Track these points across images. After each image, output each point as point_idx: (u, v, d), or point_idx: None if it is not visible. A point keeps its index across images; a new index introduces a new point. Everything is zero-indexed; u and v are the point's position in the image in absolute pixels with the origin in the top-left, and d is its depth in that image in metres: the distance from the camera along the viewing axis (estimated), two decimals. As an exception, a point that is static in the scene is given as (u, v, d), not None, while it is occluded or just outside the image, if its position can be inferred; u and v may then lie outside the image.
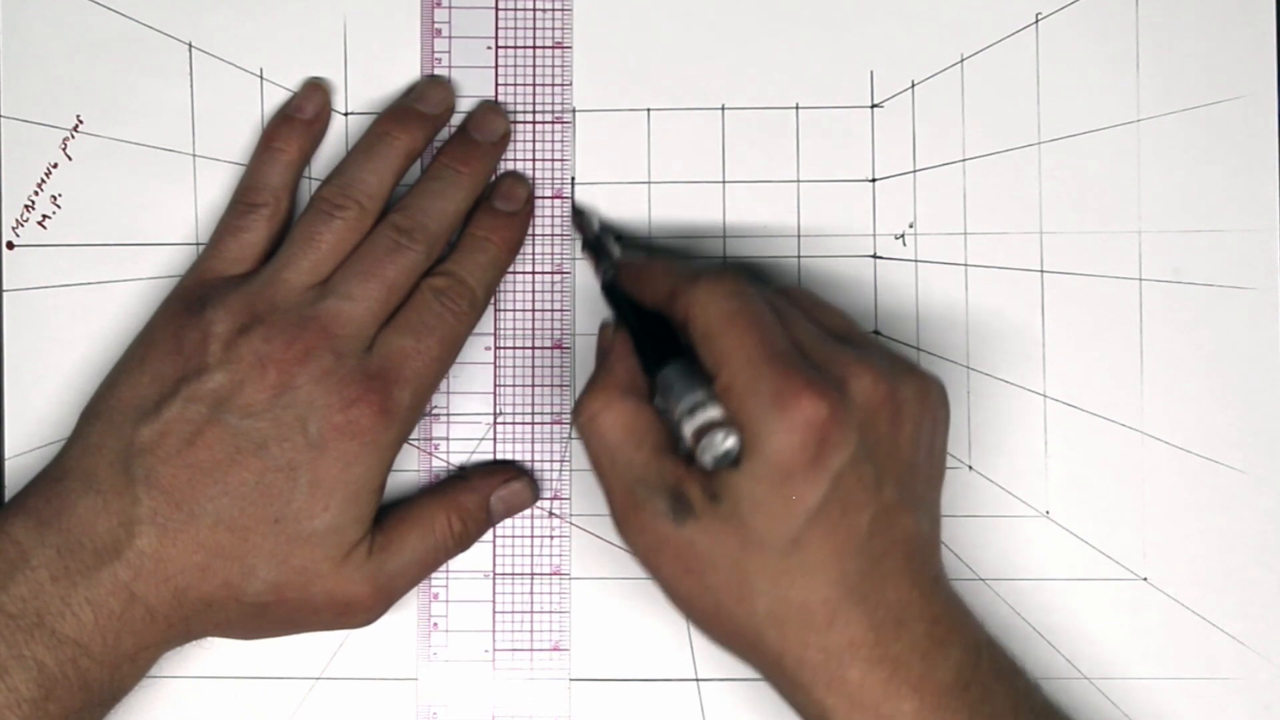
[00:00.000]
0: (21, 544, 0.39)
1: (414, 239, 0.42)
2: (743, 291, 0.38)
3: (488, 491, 0.44)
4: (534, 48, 0.46)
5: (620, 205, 0.46)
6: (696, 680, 0.45)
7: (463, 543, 0.43)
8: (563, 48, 0.46)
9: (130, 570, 0.39)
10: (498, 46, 0.46)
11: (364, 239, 0.42)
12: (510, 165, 0.45)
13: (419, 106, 0.44)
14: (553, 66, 0.46)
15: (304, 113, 0.45)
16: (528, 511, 0.45)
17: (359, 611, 0.42)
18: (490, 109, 0.45)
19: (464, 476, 0.44)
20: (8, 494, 0.45)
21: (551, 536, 0.45)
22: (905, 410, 0.38)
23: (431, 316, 0.42)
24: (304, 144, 0.45)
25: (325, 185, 0.42)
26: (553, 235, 0.45)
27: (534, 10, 0.46)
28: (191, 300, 0.42)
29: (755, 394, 0.37)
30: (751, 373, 0.37)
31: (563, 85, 0.46)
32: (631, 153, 0.46)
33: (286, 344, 0.40)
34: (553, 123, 0.46)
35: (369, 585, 0.41)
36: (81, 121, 0.45)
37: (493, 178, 0.45)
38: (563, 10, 0.46)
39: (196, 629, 0.41)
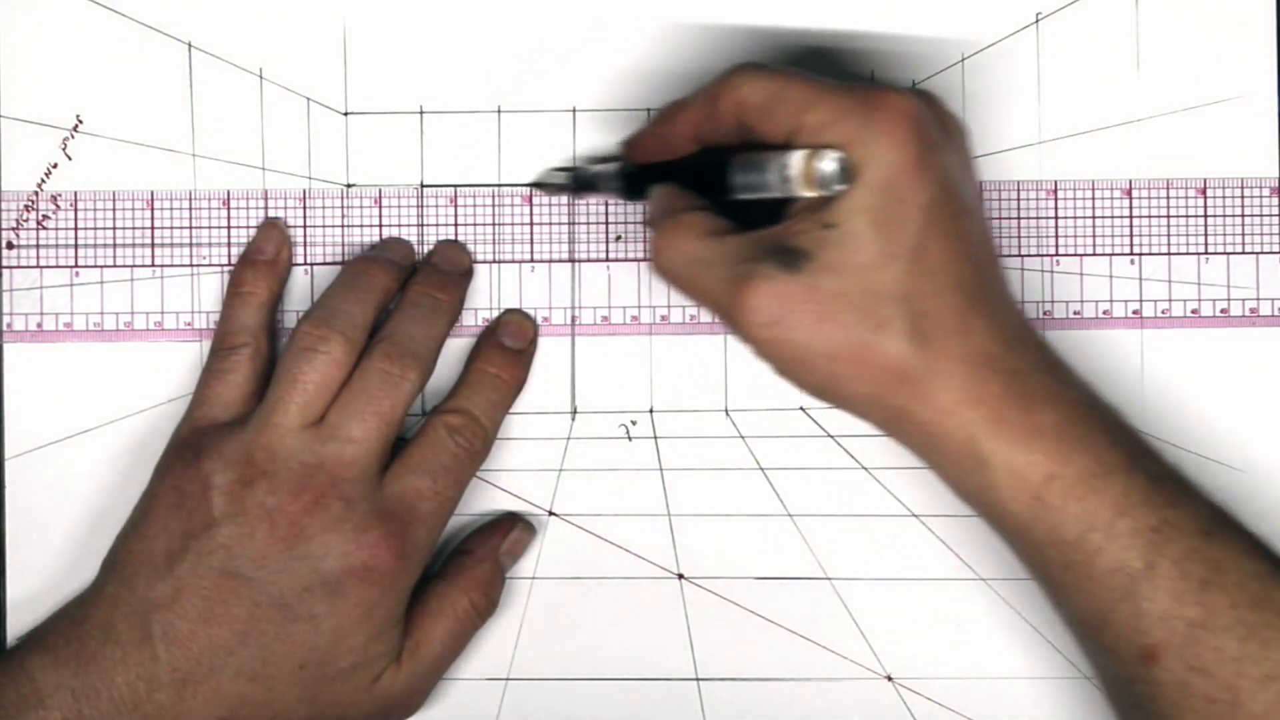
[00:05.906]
0: (37, 682, 0.39)
1: (405, 368, 0.41)
2: (772, 68, 0.38)
3: (494, 554, 0.44)
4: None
5: (619, 204, 0.46)
6: (697, 680, 0.45)
7: (488, 611, 0.44)
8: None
9: None
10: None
11: (354, 372, 0.41)
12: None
13: (388, 255, 0.44)
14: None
15: (264, 254, 0.44)
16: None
17: (405, 710, 0.43)
18: (452, 245, 0.45)
19: (467, 550, 0.44)
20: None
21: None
22: (952, 121, 0.39)
23: (447, 456, 0.41)
24: (271, 284, 0.44)
25: (306, 320, 0.42)
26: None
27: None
28: (186, 451, 0.41)
29: (846, 112, 0.37)
30: (833, 100, 0.37)
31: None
32: (631, 152, 0.46)
33: (293, 495, 0.39)
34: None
35: (407, 690, 0.42)
36: (81, 121, 0.45)
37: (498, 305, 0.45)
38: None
39: None
